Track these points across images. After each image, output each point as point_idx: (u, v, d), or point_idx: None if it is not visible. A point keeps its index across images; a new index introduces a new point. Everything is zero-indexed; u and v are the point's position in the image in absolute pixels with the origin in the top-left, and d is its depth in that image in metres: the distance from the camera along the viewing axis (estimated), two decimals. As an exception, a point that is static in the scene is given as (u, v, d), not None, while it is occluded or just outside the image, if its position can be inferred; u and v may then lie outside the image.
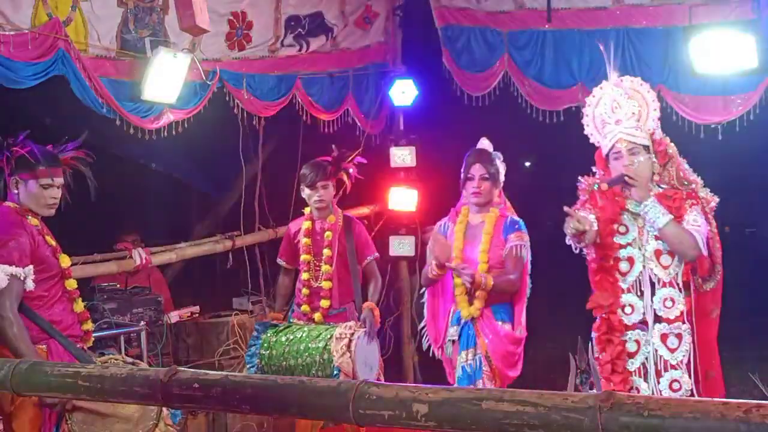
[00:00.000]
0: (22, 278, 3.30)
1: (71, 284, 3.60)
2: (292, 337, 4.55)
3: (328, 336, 4.44)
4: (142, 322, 5.09)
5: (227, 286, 6.58)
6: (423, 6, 6.66)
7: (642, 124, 3.64)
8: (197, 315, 5.68)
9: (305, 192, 4.83)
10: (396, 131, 6.97)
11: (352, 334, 4.39)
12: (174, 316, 5.47)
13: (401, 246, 6.84)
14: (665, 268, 3.56)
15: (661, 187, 3.66)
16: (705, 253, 3.58)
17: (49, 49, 4.28)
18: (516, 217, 4.46)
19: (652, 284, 3.59)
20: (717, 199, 3.69)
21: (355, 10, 6.49)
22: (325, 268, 4.81)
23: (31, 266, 3.34)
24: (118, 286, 5.35)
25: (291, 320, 4.85)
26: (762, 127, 5.53)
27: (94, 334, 3.80)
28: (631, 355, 3.58)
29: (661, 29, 5.79)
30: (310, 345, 4.46)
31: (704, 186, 3.72)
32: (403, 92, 6.74)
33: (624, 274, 3.62)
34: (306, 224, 4.90)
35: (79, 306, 3.62)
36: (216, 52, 5.44)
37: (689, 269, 3.62)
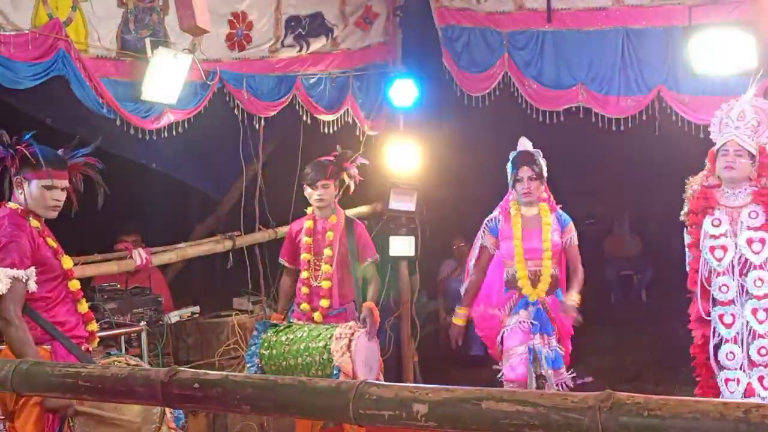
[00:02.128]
0: (24, 280, 3.28)
1: (74, 285, 3.59)
2: (292, 337, 4.55)
3: (328, 336, 4.44)
4: (143, 322, 5.09)
5: (227, 286, 6.58)
6: (423, 6, 6.65)
7: (756, 135, 4.19)
8: (197, 315, 5.68)
9: (307, 191, 4.85)
10: (396, 131, 6.97)
11: (352, 334, 4.39)
12: (174, 316, 5.48)
13: (401, 246, 6.84)
14: (756, 253, 4.12)
15: (756, 187, 4.21)
16: None
17: (49, 49, 4.28)
18: (561, 211, 4.96)
19: (746, 267, 4.15)
20: None
21: (355, 11, 6.48)
22: (325, 267, 4.82)
23: (32, 268, 3.32)
24: (119, 286, 5.35)
25: (291, 320, 4.85)
26: (762, 127, 5.52)
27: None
28: (728, 326, 4.17)
29: (661, 29, 5.79)
30: (310, 345, 4.46)
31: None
32: (403, 92, 6.73)
33: (719, 260, 4.18)
34: (308, 223, 4.91)
35: (83, 307, 3.60)
36: (216, 52, 5.44)
37: None
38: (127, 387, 1.82)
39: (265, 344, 4.59)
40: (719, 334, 4.21)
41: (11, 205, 3.44)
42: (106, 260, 5.32)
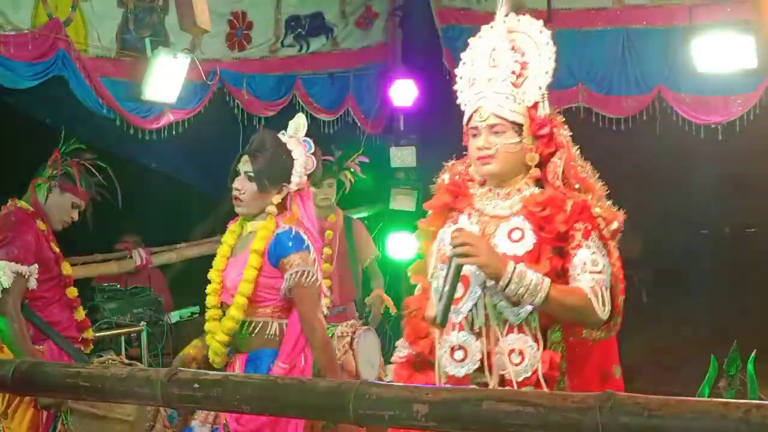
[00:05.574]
0: (26, 276, 3.31)
1: (72, 292, 3.62)
2: (292, 337, 4.53)
3: (329, 335, 4.44)
4: (143, 322, 5.09)
5: (227, 286, 6.57)
6: (423, 6, 6.66)
7: (522, 91, 2.43)
8: (197, 315, 5.68)
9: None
10: (396, 131, 6.98)
11: (354, 332, 4.39)
12: (174, 316, 5.48)
13: (401, 246, 6.84)
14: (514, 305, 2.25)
15: (538, 188, 2.42)
16: (608, 309, 2.39)
17: (49, 49, 4.29)
18: (296, 228, 3.06)
19: (498, 325, 2.29)
20: (623, 217, 2.49)
21: (355, 10, 6.49)
22: (324, 266, 4.81)
23: (35, 265, 3.36)
24: (119, 286, 5.35)
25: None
26: (762, 127, 5.53)
27: (95, 335, 3.81)
28: None
29: (661, 29, 5.79)
30: (310, 345, 4.43)
31: (607, 197, 2.52)
32: (403, 92, 6.74)
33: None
34: (307, 224, 4.88)
35: (80, 314, 3.63)
36: (216, 52, 5.44)
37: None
38: (127, 387, 1.82)
39: (266, 344, 4.58)
40: None
41: (21, 204, 3.49)
42: (106, 260, 5.32)
